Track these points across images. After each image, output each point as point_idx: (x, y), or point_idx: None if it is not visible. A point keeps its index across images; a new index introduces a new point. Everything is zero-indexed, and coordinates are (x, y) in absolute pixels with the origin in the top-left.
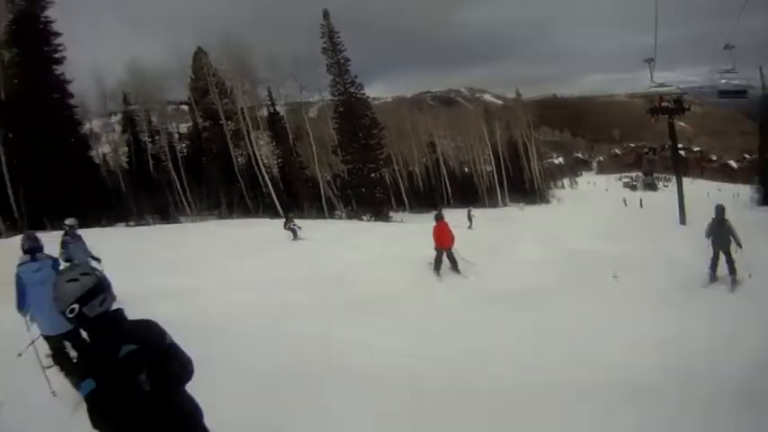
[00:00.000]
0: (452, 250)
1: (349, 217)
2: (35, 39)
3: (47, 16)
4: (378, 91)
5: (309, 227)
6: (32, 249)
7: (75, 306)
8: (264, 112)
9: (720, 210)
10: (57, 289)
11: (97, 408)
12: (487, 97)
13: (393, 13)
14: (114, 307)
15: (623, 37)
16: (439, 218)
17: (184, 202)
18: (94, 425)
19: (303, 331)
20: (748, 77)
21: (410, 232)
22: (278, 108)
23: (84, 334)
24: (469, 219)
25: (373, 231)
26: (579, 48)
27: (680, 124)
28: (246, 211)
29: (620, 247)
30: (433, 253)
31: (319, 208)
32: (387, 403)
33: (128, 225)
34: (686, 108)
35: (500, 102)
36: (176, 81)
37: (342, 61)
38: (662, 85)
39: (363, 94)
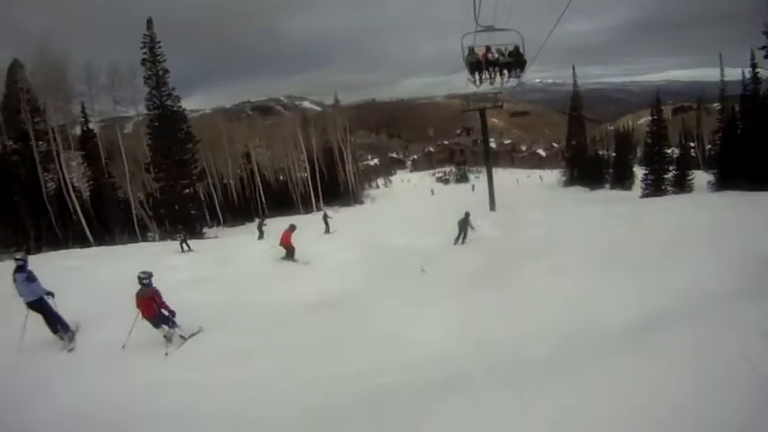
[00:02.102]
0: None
1: (162, 238)
2: None
3: None
4: (198, 103)
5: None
6: None
7: None
8: (78, 131)
9: (467, 213)
10: None
11: None
12: (306, 104)
13: (215, 21)
14: None
15: (440, 42)
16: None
17: None
18: None
19: None
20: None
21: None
22: (92, 125)
23: None
24: (326, 223)
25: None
26: (398, 54)
27: (493, 121)
28: (57, 243)
29: (428, 241)
30: None
31: (131, 231)
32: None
33: None
34: (500, 105)
35: (319, 108)
36: None
37: (161, 73)
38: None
39: (180, 107)
